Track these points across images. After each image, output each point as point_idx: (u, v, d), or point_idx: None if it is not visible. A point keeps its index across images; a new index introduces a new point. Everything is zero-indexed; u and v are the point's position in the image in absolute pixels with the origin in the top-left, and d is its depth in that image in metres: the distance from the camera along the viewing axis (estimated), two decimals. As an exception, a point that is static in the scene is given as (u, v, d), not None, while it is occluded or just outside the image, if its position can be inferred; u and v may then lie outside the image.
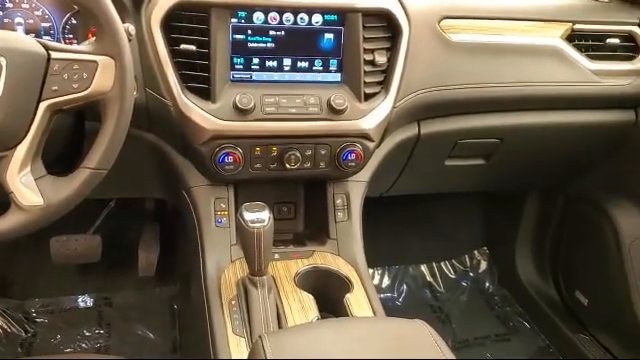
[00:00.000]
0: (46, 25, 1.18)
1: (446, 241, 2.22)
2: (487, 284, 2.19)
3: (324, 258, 1.26)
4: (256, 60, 1.21)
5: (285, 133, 1.21)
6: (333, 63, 1.24)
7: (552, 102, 1.48)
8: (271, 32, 1.20)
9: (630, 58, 1.50)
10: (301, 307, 1.13)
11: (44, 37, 1.17)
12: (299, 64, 1.23)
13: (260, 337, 0.80)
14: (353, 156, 1.25)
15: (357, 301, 1.16)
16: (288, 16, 1.20)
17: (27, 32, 1.16)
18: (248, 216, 1.05)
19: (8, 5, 1.16)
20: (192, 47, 1.16)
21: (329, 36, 1.22)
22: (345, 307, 1.15)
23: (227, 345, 1.05)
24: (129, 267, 1.87)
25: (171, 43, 1.15)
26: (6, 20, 1.16)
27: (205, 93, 1.17)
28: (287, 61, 1.22)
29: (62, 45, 0.93)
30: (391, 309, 2.03)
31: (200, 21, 1.16)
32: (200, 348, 1.14)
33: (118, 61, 0.90)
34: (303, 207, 1.41)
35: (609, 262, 1.71)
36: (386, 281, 2.14)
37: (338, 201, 1.33)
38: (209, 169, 1.21)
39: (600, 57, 1.48)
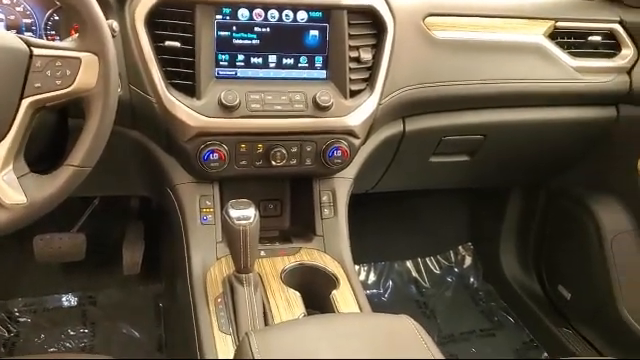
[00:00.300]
0: (28, 21, 1.16)
1: (431, 237, 2.23)
2: (472, 279, 2.21)
3: (310, 255, 1.26)
4: (241, 57, 1.21)
5: (271, 130, 1.21)
6: (318, 60, 1.24)
7: (535, 99, 1.50)
8: (256, 29, 1.20)
9: (611, 55, 1.52)
10: (287, 304, 1.13)
11: (26, 33, 1.16)
12: (284, 61, 1.23)
13: (246, 334, 0.80)
14: (339, 153, 1.25)
15: (343, 297, 1.17)
16: (273, 13, 1.19)
17: (8, 28, 1.15)
18: (234, 213, 1.05)
19: (-11, 1, 1.14)
20: (177, 44, 1.15)
21: (314, 33, 1.22)
22: (331, 303, 1.15)
23: (213, 343, 1.05)
24: (114, 265, 1.85)
25: (155, 40, 1.14)
26: (-13, 16, 1.14)
27: (190, 90, 1.16)
28: (272, 58, 1.22)
29: (44, 41, 0.92)
30: (377, 305, 2.03)
31: (184, 18, 1.15)
32: (186, 346, 1.14)
33: (102, 58, 0.89)
34: (289, 204, 1.41)
35: (591, 257, 1.73)
36: (372, 277, 2.15)
37: (324, 198, 1.33)
38: (194, 166, 1.21)
39: (582, 54, 1.50)
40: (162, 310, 1.87)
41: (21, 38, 0.88)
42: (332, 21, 1.22)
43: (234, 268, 1.10)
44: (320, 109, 1.21)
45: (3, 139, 0.87)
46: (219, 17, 1.17)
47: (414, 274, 2.19)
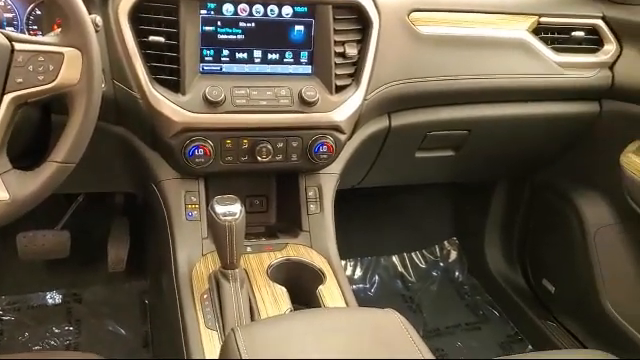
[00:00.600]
0: (9, 16, 1.15)
1: (417, 232, 2.25)
2: (457, 274, 2.22)
3: (297, 250, 1.26)
4: (226, 52, 1.20)
5: (256, 125, 1.20)
6: (304, 55, 1.24)
7: (519, 94, 1.51)
8: (241, 24, 1.19)
9: (594, 51, 1.54)
10: (274, 300, 1.13)
11: (7, 28, 1.14)
12: (270, 56, 1.23)
13: (232, 330, 0.80)
14: (325, 148, 1.25)
15: (330, 292, 1.17)
16: (258, 8, 1.19)
17: (-11, 23, 1.13)
18: (219, 209, 1.04)
19: (-31, -5, 1.13)
20: (161, 39, 1.14)
21: (299, 28, 1.22)
22: (318, 299, 1.16)
23: (199, 339, 1.05)
24: (99, 262, 1.84)
25: (139, 35, 1.14)
26: (-33, 11, 1.13)
27: (174, 85, 1.16)
28: (257, 53, 1.22)
29: (26, 36, 0.91)
30: (363, 300, 2.04)
31: (169, 12, 1.14)
32: (172, 343, 1.13)
33: (85, 53, 0.89)
34: (275, 200, 1.41)
35: (575, 251, 1.75)
36: (358, 272, 2.16)
37: (310, 193, 1.33)
38: (179, 162, 1.20)
39: (565, 50, 1.51)
40: (148, 307, 1.86)
41: (2, 33, 0.87)
42: (317, 16, 1.22)
43: (220, 264, 1.09)
44: (306, 104, 1.20)
45: (-15, 135, 0.86)
46: (204, 12, 1.16)
47: (400, 269, 2.20)
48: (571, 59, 1.51)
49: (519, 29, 1.46)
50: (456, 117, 1.50)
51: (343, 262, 2.03)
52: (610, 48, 1.53)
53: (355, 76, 1.27)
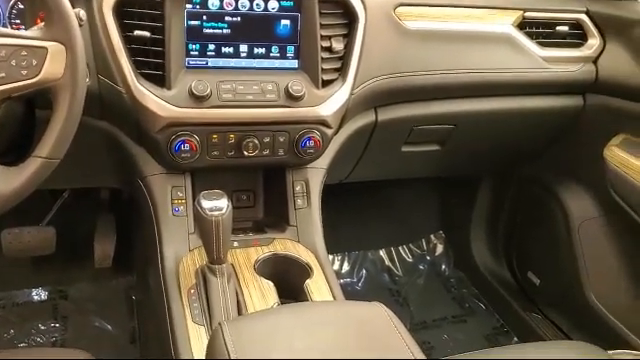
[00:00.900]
0: (-9, 10, 1.13)
1: (404, 226, 2.26)
2: (443, 267, 2.24)
3: (284, 245, 1.26)
4: (212, 46, 1.20)
5: (243, 120, 1.20)
6: (290, 49, 1.24)
7: (504, 88, 1.52)
8: (227, 18, 1.19)
9: (578, 45, 1.55)
10: (261, 294, 1.13)
11: (-11, 22, 1.13)
12: (256, 50, 1.22)
13: (220, 324, 0.80)
14: (312, 143, 1.25)
15: (317, 287, 1.17)
16: (244, 2, 1.19)
17: (-29, 17, 1.12)
18: (206, 204, 1.04)
19: (-50, -12, 1.11)
20: (146, 33, 1.14)
21: (286, 22, 1.22)
22: (305, 293, 1.16)
23: (187, 334, 1.04)
24: (85, 259, 1.83)
25: (124, 29, 1.13)
26: (-52, 4, 1.11)
27: (160, 80, 1.15)
28: (244, 47, 1.22)
29: (9, 30, 0.90)
30: (351, 293, 2.05)
31: (154, 6, 1.14)
32: (159, 338, 1.13)
33: (69, 47, 0.88)
34: (262, 195, 1.41)
35: (559, 243, 1.76)
36: (346, 266, 2.16)
37: (297, 188, 1.33)
38: (165, 157, 1.20)
39: (550, 44, 1.52)
40: (135, 303, 1.86)
41: (-16, 27, 0.86)
42: (303, 10, 1.22)
43: (207, 259, 1.09)
44: (292, 99, 1.20)
45: (-33, 131, 0.85)
46: (189, 6, 1.16)
47: (387, 263, 2.21)
48: (555, 53, 1.52)
49: (504, 24, 1.47)
50: (442, 112, 1.50)
51: (330, 256, 2.05)
52: (594, 42, 1.55)
53: (341, 70, 1.27)
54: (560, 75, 1.53)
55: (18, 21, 1.15)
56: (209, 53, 1.20)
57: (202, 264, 1.13)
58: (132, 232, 1.85)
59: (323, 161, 1.36)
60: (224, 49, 1.21)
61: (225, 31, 1.19)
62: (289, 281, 1.20)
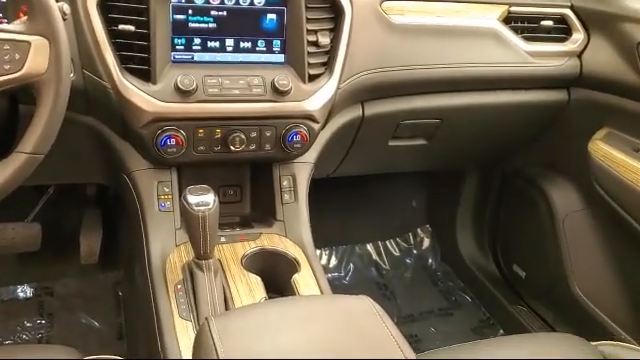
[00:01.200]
0: (-28, 3, 1.12)
1: (391, 220, 2.27)
2: (430, 260, 2.25)
3: (271, 240, 1.27)
4: (198, 40, 1.19)
5: (229, 115, 1.20)
6: (276, 44, 1.24)
7: (489, 83, 1.53)
8: (212, 12, 1.18)
9: (562, 40, 1.56)
10: (249, 289, 1.13)
11: (-29, 16, 1.12)
12: (242, 45, 1.22)
13: (206, 319, 0.80)
14: (298, 137, 1.25)
15: (304, 281, 1.18)
16: (230, -4, 1.18)
17: (-48, 10, 1.10)
18: (192, 199, 1.04)
19: None
20: (131, 27, 1.13)
21: (272, 16, 1.22)
22: (293, 288, 1.16)
23: (174, 330, 1.04)
24: (71, 255, 1.82)
25: (109, 23, 1.12)
26: None
27: (145, 74, 1.14)
28: (230, 42, 1.21)
29: (-9, 24, 0.89)
30: (338, 288, 2.06)
31: (139, 0, 1.13)
32: (146, 334, 1.13)
33: (52, 42, 0.87)
34: (249, 189, 1.41)
35: (544, 236, 1.78)
36: (333, 261, 2.17)
37: (284, 183, 1.33)
38: (151, 152, 1.19)
39: (535, 39, 1.53)
40: (121, 298, 1.85)
41: (-35, 21, 0.85)
42: (289, 5, 1.21)
43: (194, 254, 1.09)
44: (279, 93, 1.20)
45: (-51, 126, 0.84)
46: (174, 0, 1.15)
47: (374, 257, 2.22)
48: (540, 48, 1.53)
49: (490, 18, 1.48)
50: (428, 106, 1.51)
51: (318, 251, 2.04)
52: (578, 37, 1.56)
53: (328, 65, 1.27)
54: (545, 69, 1.54)
55: (0, 15, 1.14)
56: (195, 47, 1.19)
57: (189, 259, 1.13)
58: (118, 228, 1.84)
59: (310, 156, 1.36)
60: (210, 43, 1.20)
61: (211, 25, 1.19)
62: (276, 276, 1.20)
